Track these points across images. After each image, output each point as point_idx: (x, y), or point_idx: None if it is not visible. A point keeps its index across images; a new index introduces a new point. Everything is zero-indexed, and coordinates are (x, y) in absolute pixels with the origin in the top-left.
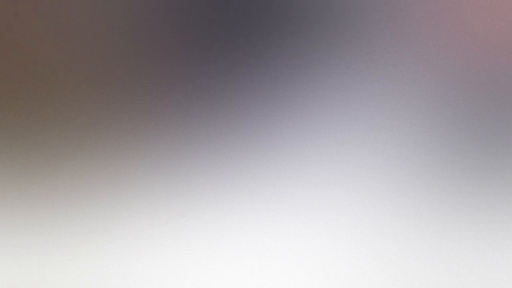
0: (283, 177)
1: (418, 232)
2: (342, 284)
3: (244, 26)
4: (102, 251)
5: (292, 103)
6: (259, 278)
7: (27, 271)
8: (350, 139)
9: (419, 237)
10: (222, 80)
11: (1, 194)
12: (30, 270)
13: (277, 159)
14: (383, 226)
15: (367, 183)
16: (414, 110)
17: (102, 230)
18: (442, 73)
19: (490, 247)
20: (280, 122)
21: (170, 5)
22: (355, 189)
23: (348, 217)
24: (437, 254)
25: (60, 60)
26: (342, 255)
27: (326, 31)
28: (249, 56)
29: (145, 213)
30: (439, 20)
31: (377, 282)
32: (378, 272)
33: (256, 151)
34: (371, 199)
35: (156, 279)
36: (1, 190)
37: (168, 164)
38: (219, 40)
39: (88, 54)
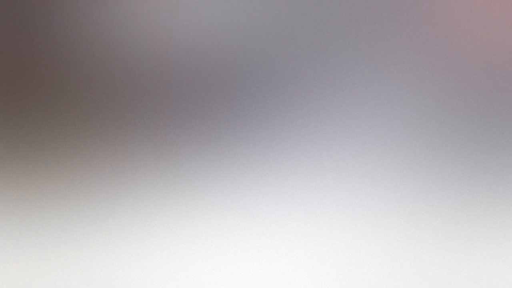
0: (283, 177)
1: (418, 232)
2: (342, 284)
3: (245, 25)
4: (102, 251)
5: (292, 102)
6: (259, 278)
7: (27, 271)
8: (350, 138)
9: (419, 236)
10: (223, 78)
11: (1, 194)
12: (30, 270)
13: (277, 158)
14: (383, 225)
15: (368, 183)
16: (414, 110)
17: (102, 230)
18: (442, 73)
19: (490, 247)
20: (280, 122)
21: (171, 6)
22: (355, 189)
23: (348, 217)
24: (437, 254)
25: (61, 60)
26: (342, 255)
27: (327, 30)
28: (250, 56)
29: (145, 213)
30: (440, 19)
31: (377, 281)
32: (378, 272)
33: (256, 150)
34: (371, 199)
35: (156, 279)
36: (1, 190)
37: (168, 164)
38: (220, 39)
39: (88, 53)
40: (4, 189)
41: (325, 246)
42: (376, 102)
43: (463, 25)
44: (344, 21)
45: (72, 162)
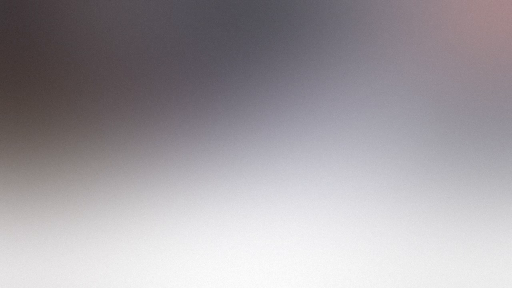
0: (283, 177)
1: (417, 232)
2: (342, 284)
3: (245, 26)
4: (102, 251)
5: (292, 102)
6: (259, 278)
7: (27, 271)
8: (350, 138)
9: (418, 237)
10: (222, 79)
11: (1, 194)
12: (30, 270)
13: (277, 159)
14: (383, 225)
15: (367, 183)
16: (414, 110)
17: (102, 230)
18: (442, 73)
19: (490, 247)
20: (280, 122)
21: (171, 6)
22: (355, 189)
23: (348, 217)
24: (437, 254)
25: (61, 60)
26: (342, 255)
27: (327, 30)
28: (250, 56)
29: (145, 213)
30: (440, 19)
31: (377, 282)
32: (378, 272)
33: (256, 151)
34: (371, 199)
35: (156, 279)
36: (1, 190)
37: (168, 164)
38: (219, 39)
39: (88, 53)
40: (4, 189)
41: (325, 246)
42: (376, 102)
43: (463, 25)
44: (345, 21)
45: (72, 162)
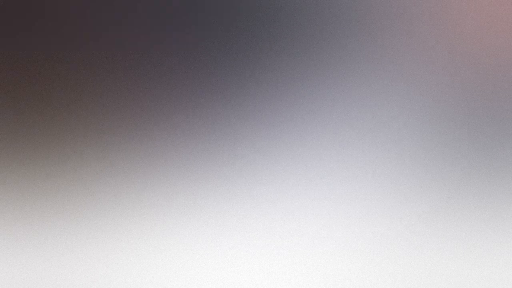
0: (283, 177)
1: (417, 232)
2: (342, 284)
3: (245, 26)
4: (102, 251)
5: (291, 103)
6: (259, 278)
7: (27, 271)
8: (350, 138)
9: (418, 237)
10: (222, 79)
11: (1, 194)
12: (30, 270)
13: (277, 158)
14: (383, 225)
15: (367, 183)
16: (414, 110)
17: (102, 230)
18: (442, 73)
19: (490, 247)
20: (280, 122)
21: (171, 6)
22: (355, 189)
23: (348, 217)
24: (437, 254)
25: (61, 60)
26: (342, 255)
27: (327, 30)
28: (250, 56)
29: (145, 213)
30: (440, 19)
31: (377, 282)
32: (378, 272)
33: (256, 150)
34: (371, 199)
35: (156, 279)
36: (1, 190)
37: (168, 164)
38: (219, 39)
39: (88, 53)
40: (4, 189)
41: (325, 246)
42: (376, 102)
43: (463, 26)
44: (345, 21)
45: (72, 162)
